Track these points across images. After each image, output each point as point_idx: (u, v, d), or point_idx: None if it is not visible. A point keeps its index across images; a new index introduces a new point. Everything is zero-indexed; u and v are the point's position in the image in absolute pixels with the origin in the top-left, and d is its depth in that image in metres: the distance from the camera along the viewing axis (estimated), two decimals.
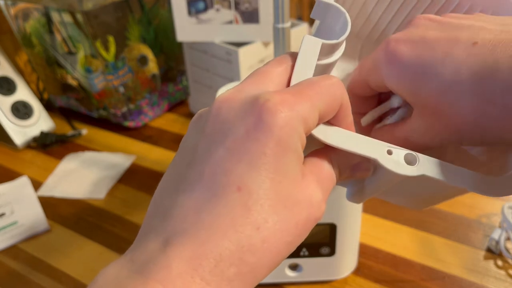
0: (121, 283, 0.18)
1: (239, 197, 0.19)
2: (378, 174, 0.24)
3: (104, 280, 0.19)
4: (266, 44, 0.67)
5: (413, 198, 0.28)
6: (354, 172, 0.24)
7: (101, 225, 0.57)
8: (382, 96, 0.29)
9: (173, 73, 0.83)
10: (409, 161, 0.22)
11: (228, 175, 0.19)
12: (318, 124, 0.21)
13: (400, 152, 0.22)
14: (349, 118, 0.23)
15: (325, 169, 0.22)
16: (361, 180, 0.26)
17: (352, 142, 0.22)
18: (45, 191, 0.63)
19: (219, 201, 0.19)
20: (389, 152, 0.22)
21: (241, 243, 0.18)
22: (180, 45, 0.76)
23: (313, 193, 0.21)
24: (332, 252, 0.44)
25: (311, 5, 1.75)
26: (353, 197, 0.27)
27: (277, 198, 0.19)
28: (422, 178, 0.22)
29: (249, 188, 0.19)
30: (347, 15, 0.23)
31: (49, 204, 0.60)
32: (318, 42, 0.22)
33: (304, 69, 0.22)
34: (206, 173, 0.19)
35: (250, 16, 0.65)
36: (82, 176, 0.66)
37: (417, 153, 0.22)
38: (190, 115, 0.80)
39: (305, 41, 0.22)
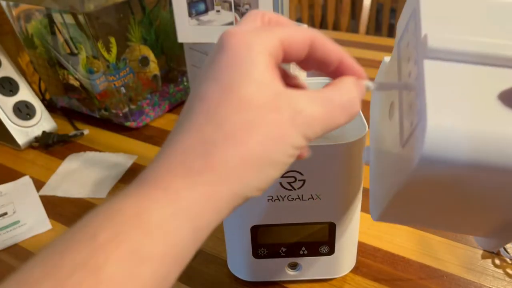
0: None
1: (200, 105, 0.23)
2: None
3: None
4: None
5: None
6: None
7: None
8: None
9: (174, 74, 0.84)
10: None
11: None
12: (289, 52, 0.24)
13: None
14: (328, 46, 0.25)
15: None
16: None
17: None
18: (47, 190, 0.64)
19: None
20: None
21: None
22: (181, 46, 0.77)
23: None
24: (331, 251, 0.44)
25: (310, 6, 1.75)
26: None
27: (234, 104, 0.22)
28: None
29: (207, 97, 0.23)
30: None
31: (51, 204, 0.61)
32: None
33: None
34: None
35: None
36: (84, 176, 0.66)
37: None
38: None
39: None
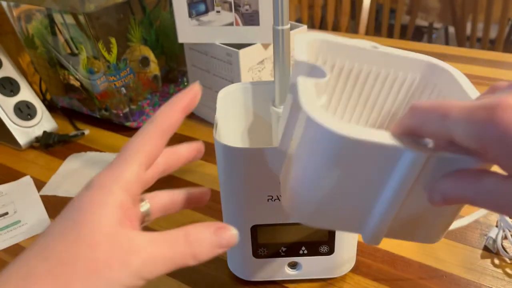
0: None
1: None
2: None
3: None
4: (266, 46, 0.68)
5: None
6: None
7: None
8: None
9: (174, 74, 0.84)
10: None
11: None
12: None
13: None
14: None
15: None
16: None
17: None
18: (48, 190, 0.64)
19: None
20: None
21: None
22: (181, 46, 0.77)
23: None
24: (331, 251, 0.44)
25: (310, 7, 1.75)
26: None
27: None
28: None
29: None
30: None
31: (51, 204, 0.61)
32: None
33: None
34: None
35: (250, 18, 0.65)
36: (85, 175, 0.66)
37: None
38: (190, 115, 0.80)
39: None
